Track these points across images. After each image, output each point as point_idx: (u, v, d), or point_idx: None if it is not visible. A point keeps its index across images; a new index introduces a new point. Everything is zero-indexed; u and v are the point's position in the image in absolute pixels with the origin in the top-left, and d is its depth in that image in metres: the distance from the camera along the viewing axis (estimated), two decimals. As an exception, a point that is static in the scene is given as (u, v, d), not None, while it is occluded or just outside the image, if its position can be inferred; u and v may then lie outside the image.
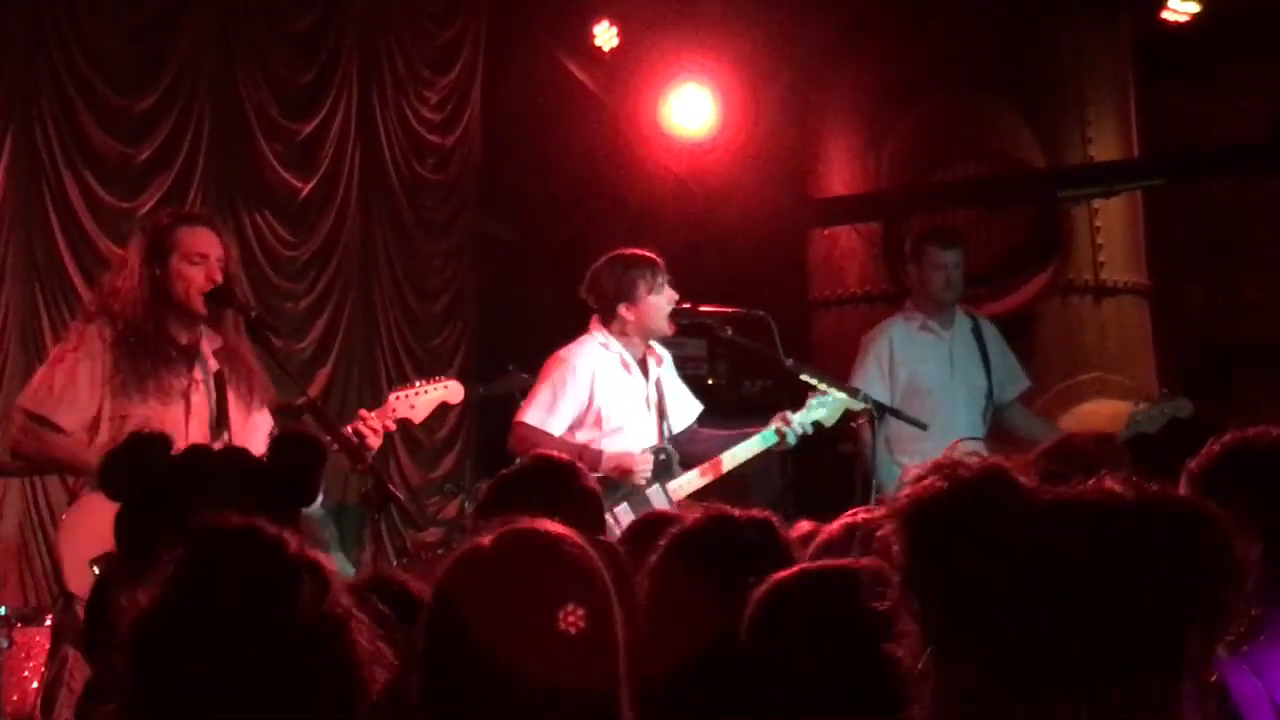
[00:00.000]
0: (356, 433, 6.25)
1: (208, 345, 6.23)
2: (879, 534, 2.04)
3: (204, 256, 6.14)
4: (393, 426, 6.39)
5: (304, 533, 3.23)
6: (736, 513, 3.44)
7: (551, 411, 7.35)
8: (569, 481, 4.32)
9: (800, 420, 7.43)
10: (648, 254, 7.53)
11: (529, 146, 11.44)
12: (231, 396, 6.24)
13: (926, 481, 1.97)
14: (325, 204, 10.39)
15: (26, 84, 8.93)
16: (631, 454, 7.35)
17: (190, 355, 6.19)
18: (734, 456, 7.43)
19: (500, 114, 11.36)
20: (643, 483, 7.31)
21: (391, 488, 6.03)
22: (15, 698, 7.02)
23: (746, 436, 7.48)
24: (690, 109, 10.83)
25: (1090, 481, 1.99)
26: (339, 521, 9.76)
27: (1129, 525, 1.92)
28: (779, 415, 7.47)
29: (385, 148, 10.75)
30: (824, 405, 7.51)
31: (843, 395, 7.55)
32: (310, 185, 10.27)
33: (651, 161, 11.11)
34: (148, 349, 6.08)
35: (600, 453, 7.29)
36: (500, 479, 4.50)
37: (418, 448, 10.87)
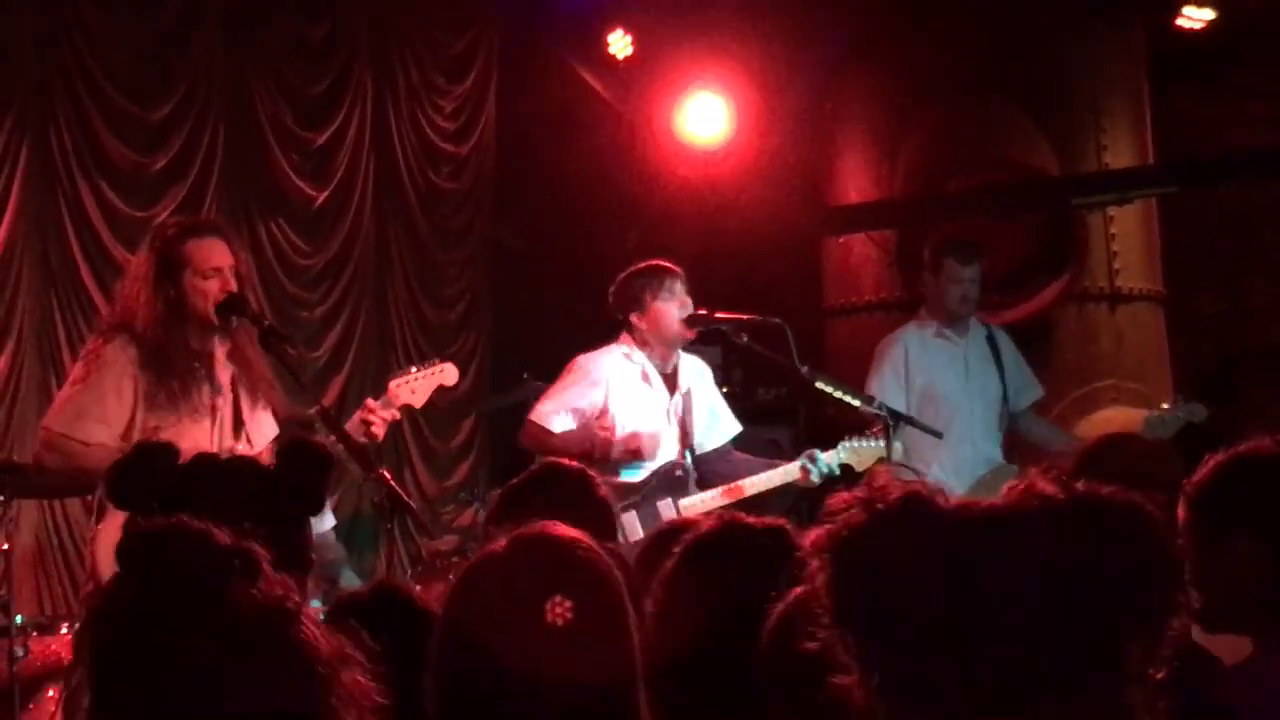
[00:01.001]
0: (364, 422, 6.29)
1: (221, 351, 6.24)
2: (808, 568, 2.02)
3: (217, 269, 6.14)
4: (398, 415, 6.45)
5: (309, 543, 3.24)
6: (751, 520, 3.44)
7: (558, 408, 7.40)
8: (580, 489, 4.32)
9: (827, 460, 7.43)
10: (659, 263, 7.56)
11: (543, 155, 11.45)
12: (244, 401, 6.26)
13: (847, 513, 1.95)
14: (340, 213, 10.40)
15: (42, 93, 8.95)
16: (639, 433, 7.37)
17: (209, 365, 6.21)
18: (755, 484, 7.43)
19: (515, 122, 11.37)
20: (649, 459, 7.33)
21: (405, 496, 6.03)
22: (33, 707, 7.03)
23: (771, 467, 7.49)
24: (704, 117, 10.82)
25: (1020, 485, 1.97)
26: (353, 530, 9.78)
27: (1054, 532, 1.90)
28: (806, 453, 7.48)
29: (400, 156, 10.76)
30: (856, 451, 7.50)
31: (876, 442, 7.53)
32: (325, 194, 10.28)
33: (666, 170, 11.10)
34: (172, 364, 6.08)
35: (610, 441, 7.32)
36: (510, 487, 4.51)
37: (432, 456, 10.88)
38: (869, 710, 1.91)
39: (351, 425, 6.32)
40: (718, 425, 7.72)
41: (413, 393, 6.55)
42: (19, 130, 8.80)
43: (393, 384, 6.56)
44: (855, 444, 7.52)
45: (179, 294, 6.10)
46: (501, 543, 2.70)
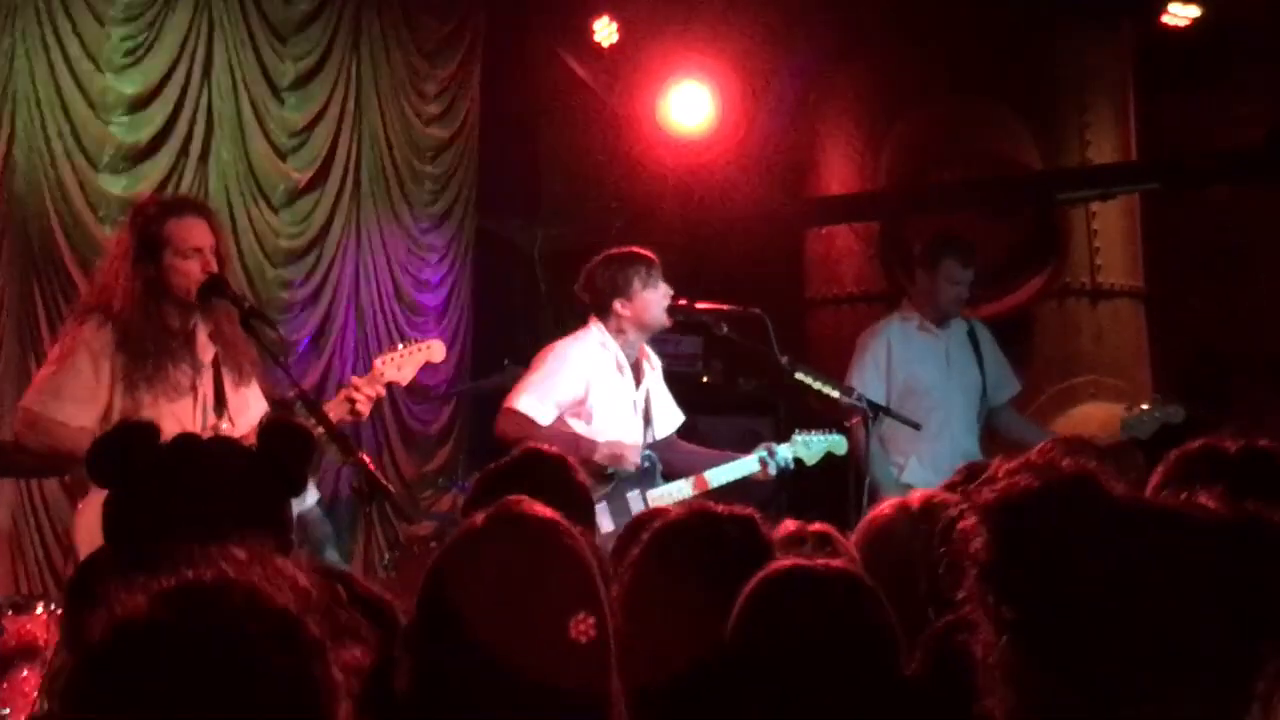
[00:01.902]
0: (348, 400, 6.28)
1: (202, 331, 6.22)
2: (959, 525, 2.03)
3: (198, 249, 6.11)
4: (383, 392, 6.46)
5: (291, 523, 3.23)
6: (720, 509, 3.44)
7: (543, 400, 7.36)
8: (559, 475, 4.32)
9: (784, 454, 7.46)
10: (642, 250, 7.55)
11: (527, 141, 11.44)
12: (227, 380, 6.24)
13: (1017, 478, 1.97)
14: (321, 195, 10.38)
15: (22, 73, 8.91)
16: (624, 443, 7.37)
17: (190, 344, 6.19)
18: (718, 476, 7.44)
19: (499, 108, 11.35)
20: (633, 469, 7.33)
21: (383, 480, 6.01)
22: (5, 686, 7.01)
23: (729, 459, 7.50)
24: (689, 106, 10.82)
25: (1184, 494, 1.99)
26: (331, 514, 9.76)
27: (1217, 542, 1.92)
28: (764, 444, 7.50)
29: (382, 140, 10.73)
30: (807, 445, 7.55)
31: (824, 436, 7.58)
32: (306, 176, 10.26)
33: (650, 158, 11.10)
34: (152, 346, 6.06)
35: (594, 442, 7.30)
36: (489, 471, 4.51)
37: (412, 440, 10.86)
38: (994, 670, 1.94)
39: (335, 404, 6.31)
40: (667, 416, 7.73)
41: (399, 369, 6.55)
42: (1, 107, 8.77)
43: (378, 361, 6.56)
44: (806, 437, 7.56)
45: (159, 273, 6.08)
46: (480, 518, 2.71)
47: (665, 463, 7.51)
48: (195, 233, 6.14)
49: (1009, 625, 1.93)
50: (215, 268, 6.14)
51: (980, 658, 1.97)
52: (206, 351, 6.22)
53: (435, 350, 6.74)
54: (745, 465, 7.46)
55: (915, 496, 4.06)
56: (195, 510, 3.06)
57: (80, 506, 6.03)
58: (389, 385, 6.58)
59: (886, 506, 4.07)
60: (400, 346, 6.69)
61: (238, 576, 2.01)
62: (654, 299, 7.44)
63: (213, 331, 6.23)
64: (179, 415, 6.01)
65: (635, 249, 7.57)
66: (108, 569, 3.08)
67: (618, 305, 7.44)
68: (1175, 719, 1.88)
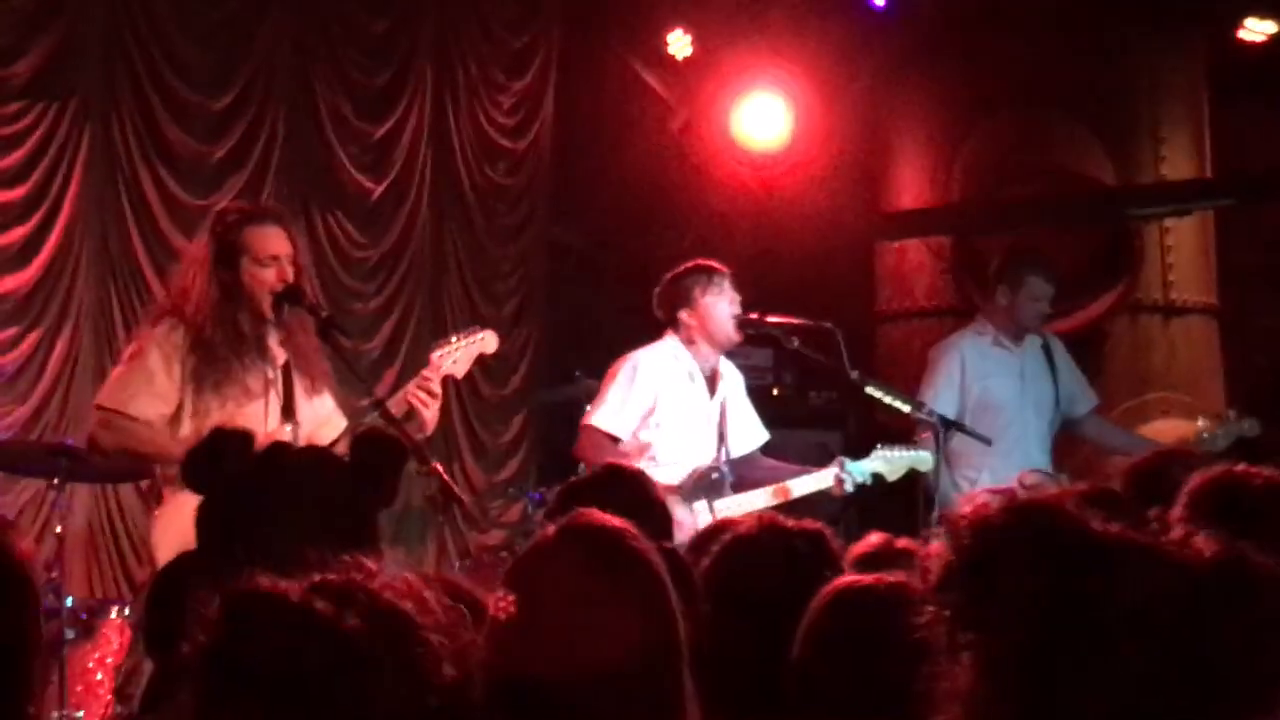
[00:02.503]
0: (408, 399, 6.27)
1: (274, 338, 6.26)
2: (924, 553, 2.03)
3: (275, 258, 6.14)
4: (438, 392, 6.35)
5: (378, 533, 3.26)
6: (789, 523, 3.45)
7: (619, 414, 7.37)
8: (638, 491, 4.34)
9: (858, 469, 7.43)
10: (707, 261, 7.57)
11: (601, 153, 11.47)
12: (298, 386, 6.27)
13: (986, 507, 1.94)
14: (396, 206, 10.45)
15: (104, 82, 9.02)
16: (675, 480, 7.36)
17: (262, 350, 6.23)
18: (800, 487, 7.43)
19: (572, 121, 11.39)
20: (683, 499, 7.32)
21: (456, 490, 6.04)
22: (80, 689, 7.09)
23: (808, 473, 7.48)
24: (762, 119, 10.83)
25: (1175, 530, 1.93)
26: (402, 522, 9.81)
27: (1194, 585, 1.86)
28: (837, 460, 7.47)
29: (457, 152, 10.79)
30: (889, 461, 7.50)
31: (910, 451, 7.54)
32: (382, 187, 10.33)
33: (722, 171, 11.12)
34: (223, 350, 6.09)
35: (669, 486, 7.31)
36: (569, 485, 4.53)
37: (482, 451, 10.91)
38: (961, 695, 1.91)
39: (395, 403, 6.31)
40: (749, 431, 7.72)
41: (454, 362, 6.53)
42: (81, 117, 8.87)
43: (435, 354, 6.52)
44: (889, 453, 7.51)
45: (235, 280, 6.11)
46: (551, 530, 2.73)
47: (745, 478, 7.50)
48: (273, 241, 6.17)
49: (973, 656, 1.90)
50: (291, 276, 6.18)
51: (958, 690, 1.93)
52: (278, 358, 6.26)
53: (489, 341, 6.69)
54: (820, 479, 7.43)
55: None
56: (287, 518, 3.09)
57: (157, 513, 6.08)
58: (448, 379, 6.56)
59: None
60: (454, 338, 6.63)
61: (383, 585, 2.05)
62: (717, 305, 7.44)
63: (284, 338, 6.26)
64: (248, 419, 6.04)
65: (701, 260, 7.59)
66: (193, 574, 3.11)
67: (684, 315, 7.46)
68: None
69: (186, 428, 6.02)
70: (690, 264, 7.59)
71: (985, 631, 1.89)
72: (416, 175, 10.53)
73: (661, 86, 11.16)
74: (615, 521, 2.73)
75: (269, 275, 6.14)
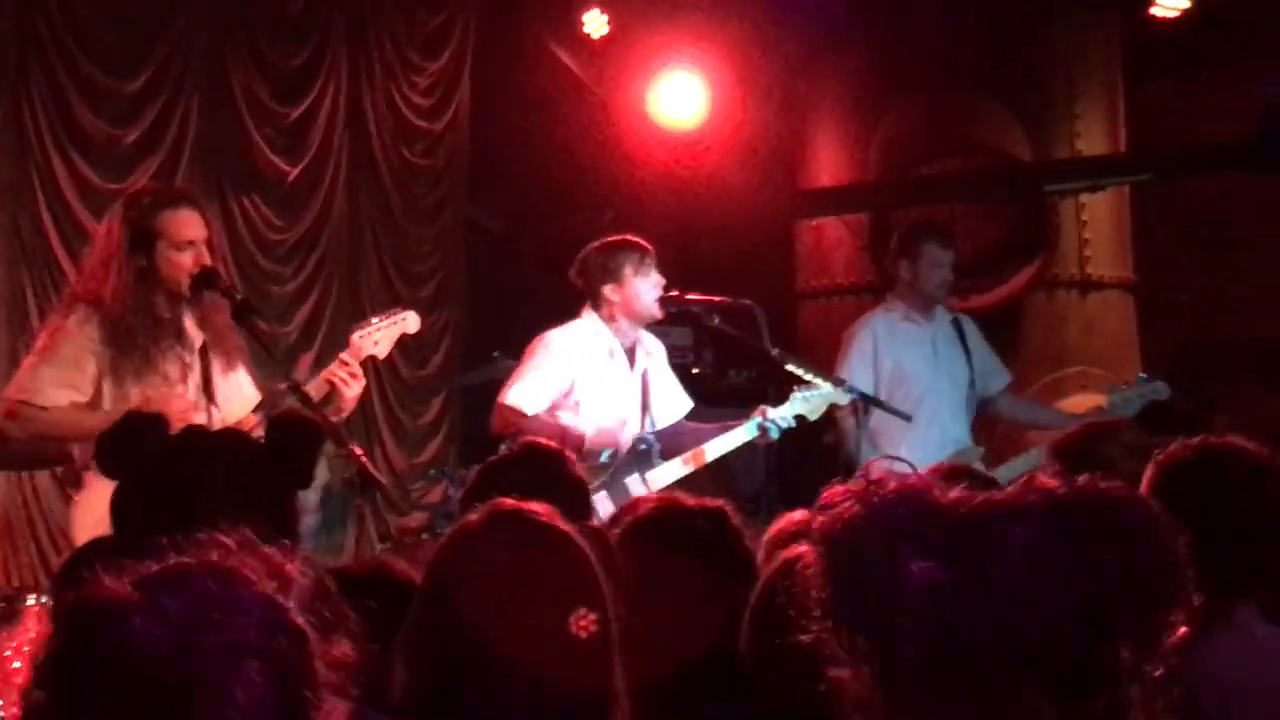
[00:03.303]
0: (328, 380, 6.21)
1: (189, 320, 6.21)
2: (802, 561, 2.01)
3: (191, 242, 6.09)
4: (359, 374, 6.29)
5: (298, 515, 3.23)
6: (690, 501, 3.45)
7: (532, 392, 7.38)
8: (557, 469, 4.34)
9: (780, 414, 7.44)
10: (636, 240, 7.55)
11: (518, 134, 11.44)
12: (215, 366, 6.23)
13: (843, 505, 1.93)
14: (313, 188, 10.39)
15: (15, 65, 8.92)
16: (614, 431, 7.39)
17: (179, 334, 6.18)
18: (716, 448, 7.44)
19: (490, 101, 11.35)
20: (624, 452, 7.34)
21: (375, 472, 6.00)
22: (-2, 679, 7.01)
23: (729, 429, 7.49)
24: (679, 98, 10.83)
25: (1020, 481, 1.94)
26: (322, 506, 9.75)
27: (1052, 525, 1.87)
28: (759, 409, 7.47)
29: (373, 133, 10.74)
30: (808, 400, 7.52)
31: (827, 387, 7.57)
32: (298, 170, 10.27)
33: (640, 150, 11.11)
34: (140, 338, 6.04)
35: (583, 435, 7.32)
36: (488, 465, 4.52)
37: (402, 432, 10.88)
38: (864, 702, 1.89)
39: (314, 386, 6.25)
40: (674, 401, 7.74)
41: (375, 344, 6.48)
42: (-8, 101, 8.78)
43: (355, 335, 6.47)
44: (807, 394, 7.53)
45: (151, 265, 6.06)
46: (475, 518, 2.71)
47: (673, 447, 7.50)
48: (190, 225, 6.12)
49: (863, 655, 1.89)
50: (208, 260, 6.14)
51: (855, 697, 1.92)
52: (194, 340, 6.22)
53: (410, 321, 6.65)
54: (745, 431, 7.44)
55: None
56: (203, 502, 3.07)
57: (76, 499, 6.04)
58: (370, 361, 6.52)
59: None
60: (374, 319, 6.58)
61: (222, 562, 2.01)
62: (645, 288, 7.44)
63: (200, 319, 6.21)
64: (166, 403, 5.99)
65: (632, 238, 7.57)
66: (101, 559, 3.08)
67: (608, 291, 7.44)
68: None
69: (107, 410, 5.98)
70: (620, 239, 7.57)
71: (874, 635, 1.89)
72: (333, 157, 10.47)
73: (578, 66, 11.13)
74: (541, 510, 2.72)
75: (185, 260, 6.09)
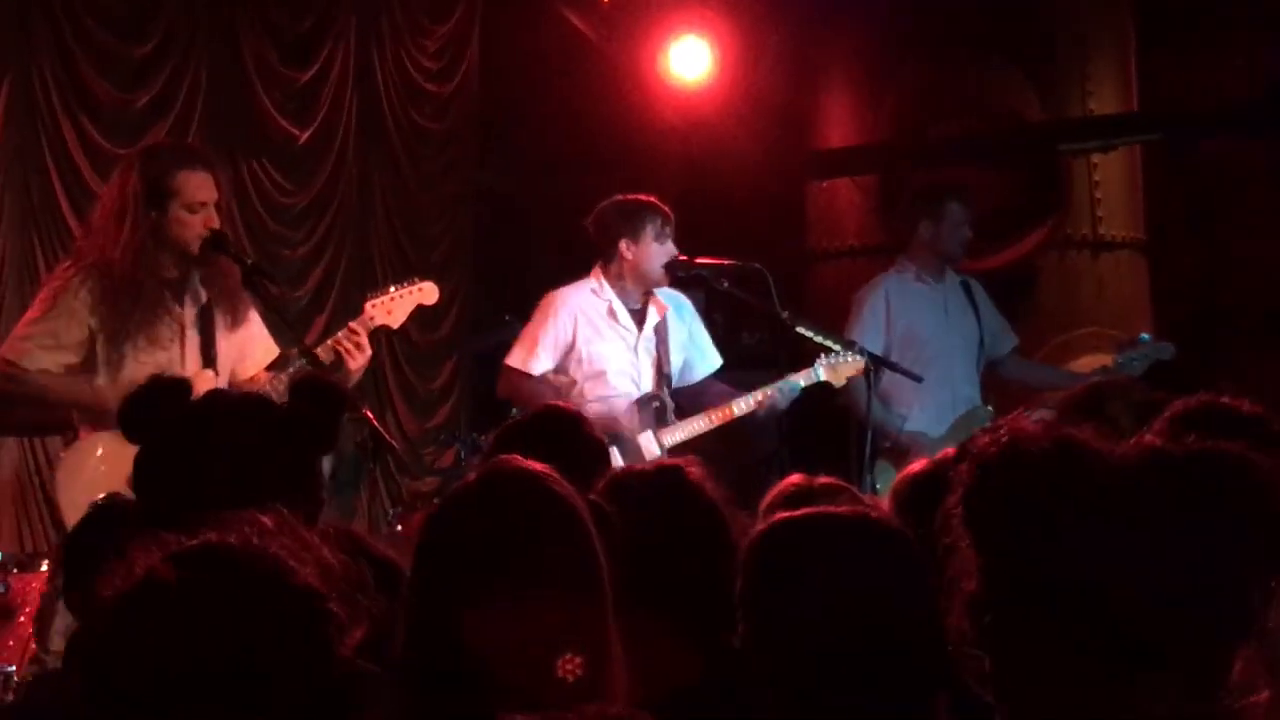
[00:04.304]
0: (335, 347, 6.19)
1: (196, 278, 6.20)
2: (953, 473, 2.04)
3: (204, 204, 6.10)
4: (365, 345, 6.28)
5: (321, 479, 3.22)
6: (644, 468, 3.45)
7: (533, 353, 7.39)
8: (574, 432, 4.33)
9: (793, 385, 7.44)
10: (661, 204, 7.53)
11: (527, 96, 11.42)
12: (220, 325, 6.23)
13: (1002, 436, 1.98)
14: (323, 152, 10.37)
15: (24, 29, 8.89)
16: (616, 413, 7.37)
17: (181, 295, 6.18)
18: (741, 405, 7.44)
19: (499, 63, 11.32)
20: (629, 432, 7.34)
21: (387, 436, 6.01)
22: (11, 644, 7.03)
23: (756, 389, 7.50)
24: (689, 60, 10.79)
25: (1133, 439, 2.00)
26: (335, 469, 9.76)
27: (1187, 479, 1.92)
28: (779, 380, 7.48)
29: (383, 96, 10.72)
30: (834, 368, 7.53)
31: (850, 354, 7.56)
32: (308, 133, 10.25)
33: (650, 113, 11.07)
34: (142, 297, 6.03)
35: (573, 380, 7.35)
36: (505, 429, 4.50)
37: (414, 396, 10.88)
38: (982, 623, 1.95)
39: (322, 350, 6.24)
40: (702, 359, 7.73)
41: (389, 313, 6.46)
42: (0, 66, 8.75)
43: (369, 304, 6.46)
44: (832, 360, 7.54)
45: (163, 224, 6.06)
46: (470, 477, 2.71)
47: (694, 406, 7.50)
48: (204, 187, 6.12)
49: (996, 577, 1.94)
50: (217, 223, 6.13)
51: (964, 612, 1.98)
52: (200, 297, 6.21)
53: (428, 292, 6.63)
54: (758, 397, 7.44)
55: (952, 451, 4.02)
56: (225, 466, 3.06)
57: (63, 456, 6.08)
58: (383, 330, 6.50)
59: (920, 463, 4.01)
60: (392, 288, 6.57)
61: (265, 547, 2.01)
62: (659, 252, 7.44)
63: (206, 277, 6.21)
64: (163, 364, 6.00)
65: (655, 200, 7.55)
66: (123, 524, 3.07)
67: (623, 245, 7.43)
68: (1167, 678, 1.87)
69: (102, 378, 5.99)
70: (647, 198, 7.55)
71: (1007, 554, 1.93)
72: (342, 120, 10.45)
73: (588, 29, 11.09)
74: (536, 466, 2.71)
75: (197, 221, 6.09)
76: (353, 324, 6.30)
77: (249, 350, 6.37)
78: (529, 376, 7.36)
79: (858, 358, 7.56)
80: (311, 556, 2.02)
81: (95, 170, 9.01)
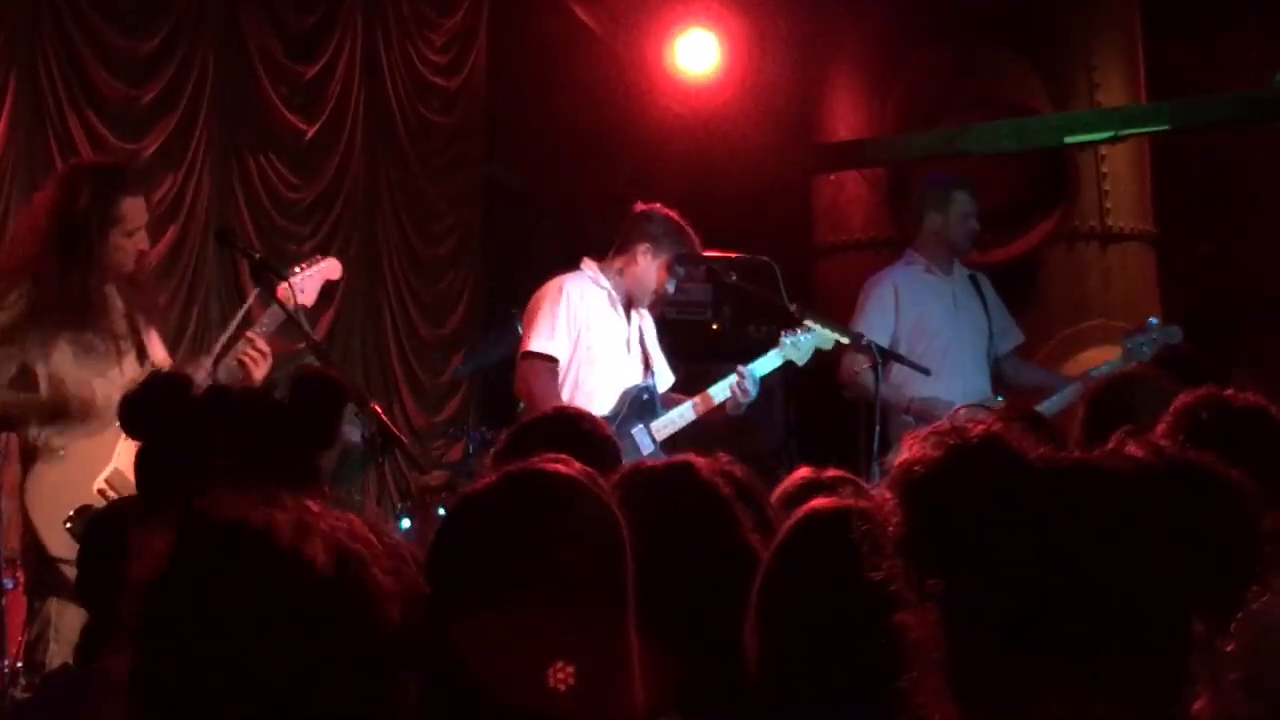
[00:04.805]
0: (247, 353, 6.18)
1: (112, 289, 6.22)
2: (875, 500, 2.01)
3: (139, 228, 6.16)
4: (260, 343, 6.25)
5: (322, 474, 3.22)
6: (655, 463, 3.44)
7: (553, 336, 7.38)
8: (586, 430, 4.33)
9: (758, 367, 7.47)
10: (698, 249, 7.56)
11: (534, 90, 11.41)
12: (141, 324, 6.27)
13: (924, 448, 1.92)
14: (330, 146, 10.37)
15: (30, 26, 8.90)
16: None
17: (111, 306, 6.20)
18: (718, 392, 7.45)
19: (506, 57, 11.32)
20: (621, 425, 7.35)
21: (395, 430, 6.01)
22: (23, 639, 7.03)
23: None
24: (697, 53, 10.78)
25: (1109, 445, 1.95)
26: (342, 463, 9.77)
27: (1139, 494, 1.87)
28: (735, 370, 7.49)
29: (390, 90, 10.72)
30: (796, 346, 7.55)
31: (815, 335, 7.57)
32: (315, 128, 10.25)
33: (658, 106, 11.07)
34: (75, 315, 6.05)
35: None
36: (519, 427, 4.50)
37: (422, 391, 10.88)
38: (926, 645, 1.90)
39: (229, 366, 6.22)
40: (662, 371, 7.77)
41: (301, 291, 6.47)
42: (7, 62, 8.75)
43: (281, 285, 6.41)
44: (793, 338, 7.55)
45: (102, 248, 6.08)
46: (492, 477, 2.68)
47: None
48: (142, 212, 6.20)
49: (933, 599, 1.89)
50: (146, 246, 6.18)
51: (917, 639, 1.92)
52: (120, 306, 6.23)
53: (331, 267, 6.69)
54: (726, 384, 7.46)
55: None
56: (226, 461, 3.06)
57: (25, 485, 6.10)
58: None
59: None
60: (298, 269, 6.55)
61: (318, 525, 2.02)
62: (663, 279, 7.49)
63: (123, 287, 6.23)
64: (106, 375, 6.06)
65: (695, 240, 7.56)
66: (131, 520, 3.08)
67: (640, 250, 7.45)
68: (1106, 680, 1.84)
69: (45, 394, 6.00)
70: (691, 232, 7.55)
71: (948, 578, 1.88)
72: (349, 115, 10.45)
73: (595, 22, 11.09)
74: (564, 469, 2.67)
75: (132, 245, 6.14)
76: (249, 333, 6.27)
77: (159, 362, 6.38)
78: (554, 362, 7.34)
79: (824, 332, 7.57)
80: (358, 535, 2.04)
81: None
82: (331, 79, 10.35)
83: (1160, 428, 3.40)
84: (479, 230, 11.32)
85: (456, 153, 11.14)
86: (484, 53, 11.21)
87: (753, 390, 7.43)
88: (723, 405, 7.45)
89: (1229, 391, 3.53)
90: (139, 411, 3.21)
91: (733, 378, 7.42)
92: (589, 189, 10.83)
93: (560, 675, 2.44)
